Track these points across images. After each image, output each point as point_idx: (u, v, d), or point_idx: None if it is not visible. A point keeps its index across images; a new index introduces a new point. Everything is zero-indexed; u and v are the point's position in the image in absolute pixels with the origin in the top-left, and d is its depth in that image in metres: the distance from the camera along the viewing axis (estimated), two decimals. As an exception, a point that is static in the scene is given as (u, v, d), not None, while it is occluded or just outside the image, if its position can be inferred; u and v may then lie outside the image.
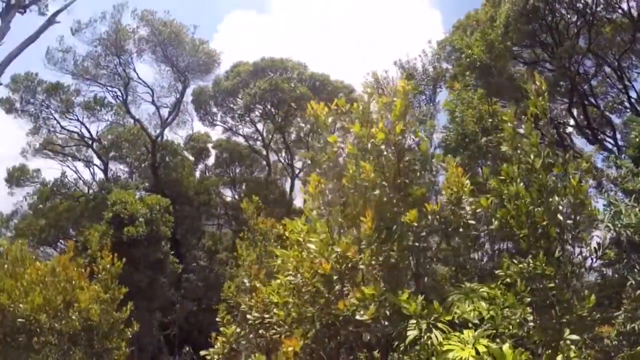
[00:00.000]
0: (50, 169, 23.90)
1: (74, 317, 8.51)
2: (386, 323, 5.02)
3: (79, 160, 24.57)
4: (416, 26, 49.00)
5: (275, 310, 6.07)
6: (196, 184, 24.61)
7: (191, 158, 27.18)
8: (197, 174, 27.69)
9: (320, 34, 53.20)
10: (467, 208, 5.81)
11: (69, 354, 8.74)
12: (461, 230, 5.86)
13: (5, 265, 8.54)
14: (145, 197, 17.67)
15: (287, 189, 29.37)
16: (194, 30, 25.21)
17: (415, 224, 5.22)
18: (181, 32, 24.43)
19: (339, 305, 5.01)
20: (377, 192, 5.31)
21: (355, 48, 50.94)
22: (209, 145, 30.68)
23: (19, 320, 8.26)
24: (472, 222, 5.86)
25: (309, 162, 23.05)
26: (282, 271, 5.92)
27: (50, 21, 15.00)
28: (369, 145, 5.48)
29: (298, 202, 28.62)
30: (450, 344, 4.61)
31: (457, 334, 4.76)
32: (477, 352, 4.47)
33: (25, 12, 14.31)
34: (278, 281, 5.88)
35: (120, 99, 23.86)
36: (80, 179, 24.04)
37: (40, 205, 22.37)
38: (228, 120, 29.36)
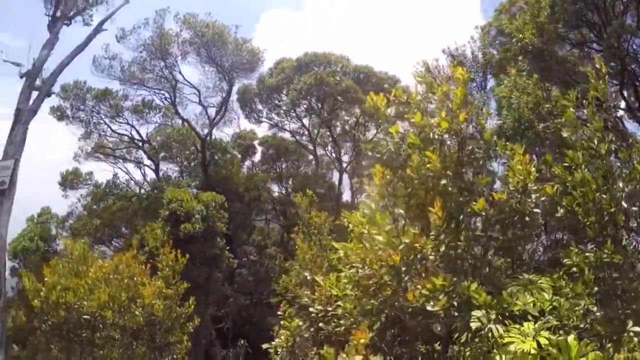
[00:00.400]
0: (102, 171, 24.76)
1: (137, 313, 8.78)
2: (456, 314, 4.96)
3: (130, 161, 25.31)
4: (454, 11, 48.16)
5: (340, 303, 6.07)
6: (245, 180, 24.91)
7: (238, 155, 27.53)
8: (244, 170, 28.02)
9: (354, 27, 53.04)
10: (533, 196, 5.67)
11: (132, 348, 9.02)
12: (527, 219, 5.72)
13: (69, 264, 8.84)
14: (201, 194, 17.99)
15: (335, 183, 29.30)
16: (236, 30, 25.48)
17: (483, 213, 5.14)
18: (224, 33, 24.72)
19: (407, 297, 4.96)
20: (443, 181, 5.23)
21: (391, 37, 50.53)
22: (255, 142, 31.18)
23: (84, 317, 8.55)
24: (537, 210, 5.71)
25: (368, 153, 22.78)
26: (344, 264, 5.91)
27: (98, 30, 15.39)
28: (432, 135, 5.41)
29: (346, 196, 28.80)
30: (510, 336, 4.53)
31: (517, 326, 4.66)
32: (539, 345, 4.37)
33: (70, 23, 14.74)
34: (343, 274, 5.86)
35: (169, 100, 24.40)
36: (131, 179, 24.80)
37: (94, 206, 23.18)
38: (273, 117, 29.53)
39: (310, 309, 6.58)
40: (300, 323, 6.83)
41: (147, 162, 25.13)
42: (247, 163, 31.15)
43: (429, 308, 4.81)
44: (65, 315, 8.03)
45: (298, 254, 13.07)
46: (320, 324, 6.76)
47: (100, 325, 8.68)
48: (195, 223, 15.48)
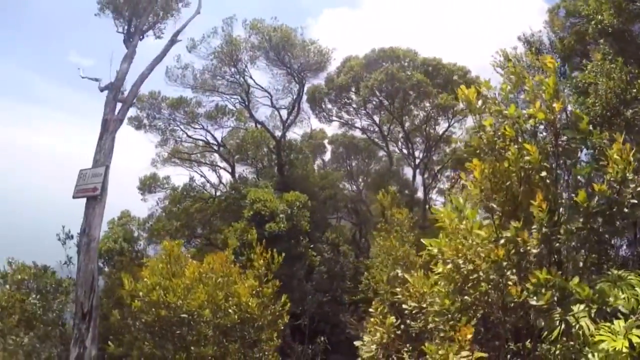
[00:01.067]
0: (178, 175, 26.09)
1: (231, 311, 9.08)
2: (559, 309, 4.82)
3: (205, 165, 26.36)
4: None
5: (431, 300, 6.06)
6: (319, 179, 25.18)
7: (310, 155, 27.86)
8: (314, 169, 28.33)
9: (414, 19, 52.28)
10: (631, 187, 5.40)
11: (224, 345, 9.33)
12: (626, 210, 5.46)
13: (168, 265, 9.23)
14: (285, 194, 18.34)
15: (408, 179, 29.01)
16: (302, 31, 25.78)
17: (585, 205, 4.96)
18: (291, 35, 25.05)
19: (510, 291, 4.88)
20: (543, 173, 5.10)
21: (451, 26, 49.44)
22: (325, 141, 31.49)
23: (182, 315, 8.92)
24: (635, 201, 5.43)
25: (460, 147, 22.49)
26: (436, 260, 5.86)
27: (173, 41, 16.13)
28: (526, 126, 5.29)
29: (419, 192, 28.46)
30: (601, 335, 4.35)
31: (607, 324, 4.47)
32: (631, 343, 4.17)
33: (143, 37, 15.59)
34: (436, 270, 5.82)
35: (243, 104, 25.12)
36: (207, 182, 25.77)
37: (173, 209, 24.24)
38: (343, 115, 29.61)
39: (404, 306, 6.59)
40: (393, 320, 6.84)
41: (222, 164, 26.05)
42: (318, 162, 31.65)
43: (532, 302, 4.71)
44: (166, 314, 8.37)
45: (377, 252, 13.10)
46: (408, 321, 6.78)
47: (192, 323, 9.01)
48: (279, 222, 15.78)
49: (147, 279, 8.51)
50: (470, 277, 5.24)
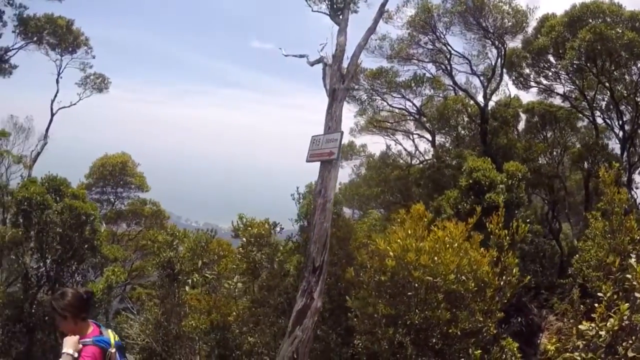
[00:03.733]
0: (375, 144, 26.99)
1: (464, 278, 9.04)
2: None
3: (401, 133, 26.71)
4: None
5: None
6: (523, 150, 23.88)
7: (512, 123, 26.52)
8: (517, 140, 26.85)
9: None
10: None
11: (454, 312, 9.28)
12: None
13: (416, 228, 9.27)
14: (506, 164, 17.81)
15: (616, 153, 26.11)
16: (496, -9, 24.35)
17: None
18: (485, -3, 23.89)
19: None
20: None
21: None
22: (520, 110, 29.59)
23: (428, 277, 8.88)
24: None
25: None
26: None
27: (382, 12, 16.41)
28: None
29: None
30: None
31: None
32: None
33: (351, 11, 15.93)
34: None
35: (442, 70, 24.83)
36: (404, 150, 26.14)
37: (370, 176, 25.04)
38: (541, 81, 27.56)
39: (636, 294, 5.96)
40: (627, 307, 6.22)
41: (418, 133, 26.21)
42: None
43: None
44: (419, 275, 8.59)
45: (595, 233, 12.05)
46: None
47: (427, 286, 9.11)
48: (499, 193, 15.36)
49: (399, 239, 8.80)
50: None
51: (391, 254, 8.73)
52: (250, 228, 12.07)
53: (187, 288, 12.70)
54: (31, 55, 29.26)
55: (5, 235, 22.56)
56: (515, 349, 10.23)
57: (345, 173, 27.49)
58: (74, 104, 30.87)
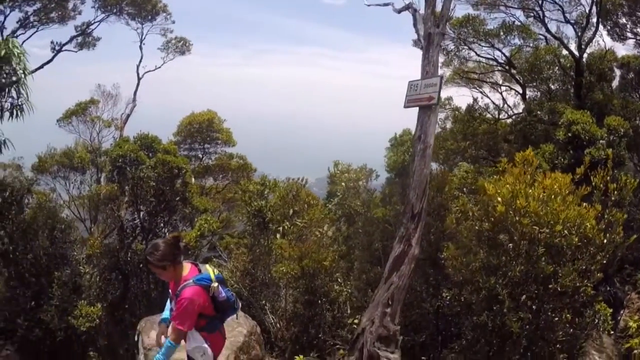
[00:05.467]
0: (461, 96, 25.81)
1: (567, 233, 8.53)
2: None
3: (490, 85, 25.47)
4: None
5: None
6: (620, 108, 22.16)
7: (610, 77, 24.60)
8: (614, 96, 24.99)
9: None
10: None
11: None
12: None
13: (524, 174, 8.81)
14: (608, 118, 16.71)
15: None
16: None
17: None
18: None
19: None
20: None
21: None
22: (614, 65, 27.41)
23: (534, 227, 8.51)
24: None
25: None
26: None
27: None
28: None
29: None
30: None
31: None
32: None
33: None
34: None
35: (534, 17, 23.28)
36: (492, 103, 24.99)
37: (456, 129, 24.11)
38: (639, 32, 25.36)
39: None
40: None
41: (508, 85, 24.93)
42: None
43: None
44: (527, 223, 8.23)
45: None
46: None
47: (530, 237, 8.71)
48: (600, 149, 14.39)
49: (508, 185, 8.45)
50: None
51: (499, 199, 8.36)
52: (347, 174, 12.01)
53: (277, 236, 12.91)
54: (112, 26, 30.59)
55: (100, 192, 23.94)
56: (608, 315, 9.76)
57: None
58: (159, 68, 32.30)
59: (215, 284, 5.47)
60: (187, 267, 5.61)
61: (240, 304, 6.34)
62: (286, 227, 12.73)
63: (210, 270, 5.62)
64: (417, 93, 10.52)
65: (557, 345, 8.94)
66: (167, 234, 18.71)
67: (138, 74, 31.12)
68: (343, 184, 12.11)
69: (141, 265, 18.27)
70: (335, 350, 11.71)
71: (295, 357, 10.34)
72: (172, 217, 19.30)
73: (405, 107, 10.81)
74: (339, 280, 12.88)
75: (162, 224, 19.15)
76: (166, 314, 5.97)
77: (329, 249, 12.33)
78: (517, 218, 8.37)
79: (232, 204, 29.27)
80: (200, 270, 5.60)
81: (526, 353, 9.21)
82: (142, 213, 19.44)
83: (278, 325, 13.62)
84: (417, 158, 10.00)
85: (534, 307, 8.74)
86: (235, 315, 6.23)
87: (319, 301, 12.65)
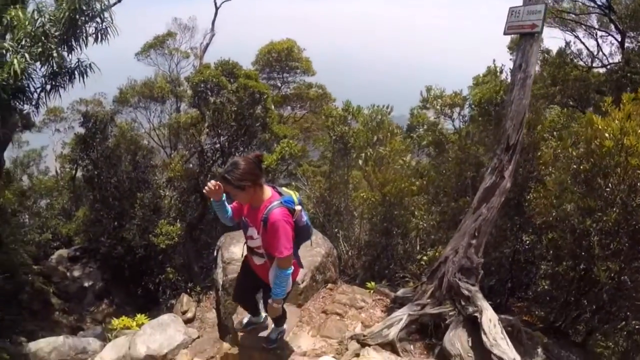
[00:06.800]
0: (553, 38, 23.94)
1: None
2: None
3: (584, 29, 23.56)
4: None
5: None
6: None
7: None
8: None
9: None
10: None
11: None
12: None
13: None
14: None
15: None
16: None
17: None
18: None
19: None
20: None
21: None
22: None
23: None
24: None
25: None
26: None
27: None
28: None
29: None
30: None
31: None
32: None
33: None
34: None
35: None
36: (585, 49, 23.23)
37: (548, 72, 22.66)
38: None
39: None
40: None
41: (605, 31, 22.96)
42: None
43: None
44: (636, 163, 7.68)
45: None
46: None
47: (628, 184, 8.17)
48: None
49: (617, 120, 7.89)
50: None
51: (606, 135, 7.82)
52: (440, 99, 11.61)
53: (360, 162, 12.81)
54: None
55: (180, 120, 24.67)
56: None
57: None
58: (235, -4, 31.84)
59: (299, 207, 5.22)
60: (267, 189, 5.22)
61: (313, 231, 6.04)
62: (368, 154, 12.57)
63: (292, 193, 5.29)
64: (519, 20, 9.85)
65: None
66: (247, 157, 19.11)
67: (215, 3, 31.18)
68: (438, 106, 11.65)
69: (217, 189, 18.82)
70: (405, 283, 11.73)
71: (367, 283, 10.43)
72: (252, 143, 19.63)
73: (505, 34, 10.18)
74: (416, 213, 12.75)
75: (241, 148, 19.55)
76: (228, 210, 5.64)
77: (410, 179, 12.11)
78: (623, 157, 7.81)
79: (308, 135, 29.46)
80: (281, 194, 5.22)
81: (602, 310, 8.90)
82: (222, 138, 19.87)
83: (349, 253, 13.78)
84: (516, 87, 9.46)
85: (621, 260, 8.27)
86: (309, 242, 5.91)
87: (394, 232, 12.61)
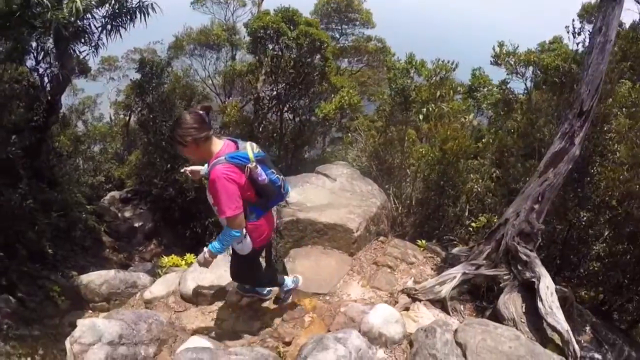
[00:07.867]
0: (626, 11, 22.11)
1: None
2: None
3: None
4: None
5: None
6: None
7: None
8: None
9: None
10: None
11: None
12: None
13: None
14: None
15: None
16: None
17: None
18: None
19: None
20: None
21: None
22: None
23: None
24: None
25: None
26: None
27: None
28: None
29: None
30: None
31: None
32: None
33: None
34: None
35: None
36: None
37: (620, 46, 21.32)
38: None
39: None
40: None
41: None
42: None
43: None
44: None
45: None
46: None
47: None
48: None
49: None
50: None
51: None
52: (513, 56, 11.04)
53: (420, 117, 12.43)
54: None
55: (236, 68, 24.57)
56: None
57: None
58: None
59: (253, 164, 4.70)
60: (219, 143, 4.77)
61: (289, 189, 5.42)
62: (430, 109, 12.17)
63: (249, 149, 4.80)
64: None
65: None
66: (302, 107, 18.92)
67: (275, -50, 30.43)
68: (512, 63, 11.08)
69: (274, 135, 18.86)
70: (452, 246, 11.49)
71: (418, 240, 10.26)
72: (309, 92, 19.42)
73: (598, -4, 9.49)
74: (471, 176, 12.38)
75: (298, 97, 19.37)
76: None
77: (472, 139, 11.70)
78: None
79: (364, 89, 28.89)
80: (238, 148, 4.80)
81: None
82: (279, 86, 19.73)
83: (399, 210, 13.59)
84: (595, 51, 8.84)
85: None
86: (284, 202, 5.25)
87: (449, 193, 12.32)
